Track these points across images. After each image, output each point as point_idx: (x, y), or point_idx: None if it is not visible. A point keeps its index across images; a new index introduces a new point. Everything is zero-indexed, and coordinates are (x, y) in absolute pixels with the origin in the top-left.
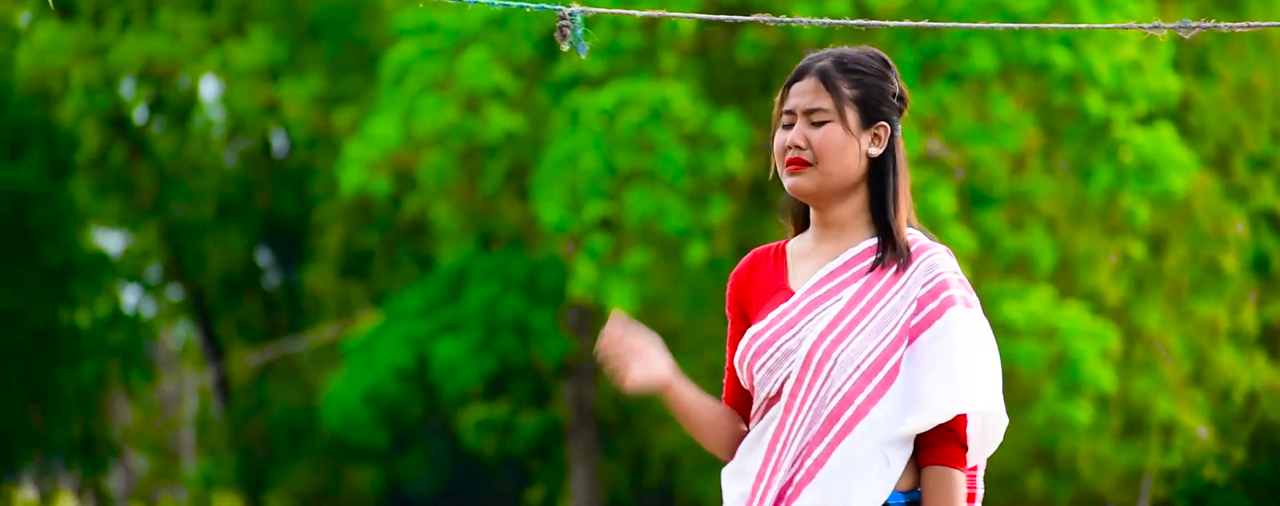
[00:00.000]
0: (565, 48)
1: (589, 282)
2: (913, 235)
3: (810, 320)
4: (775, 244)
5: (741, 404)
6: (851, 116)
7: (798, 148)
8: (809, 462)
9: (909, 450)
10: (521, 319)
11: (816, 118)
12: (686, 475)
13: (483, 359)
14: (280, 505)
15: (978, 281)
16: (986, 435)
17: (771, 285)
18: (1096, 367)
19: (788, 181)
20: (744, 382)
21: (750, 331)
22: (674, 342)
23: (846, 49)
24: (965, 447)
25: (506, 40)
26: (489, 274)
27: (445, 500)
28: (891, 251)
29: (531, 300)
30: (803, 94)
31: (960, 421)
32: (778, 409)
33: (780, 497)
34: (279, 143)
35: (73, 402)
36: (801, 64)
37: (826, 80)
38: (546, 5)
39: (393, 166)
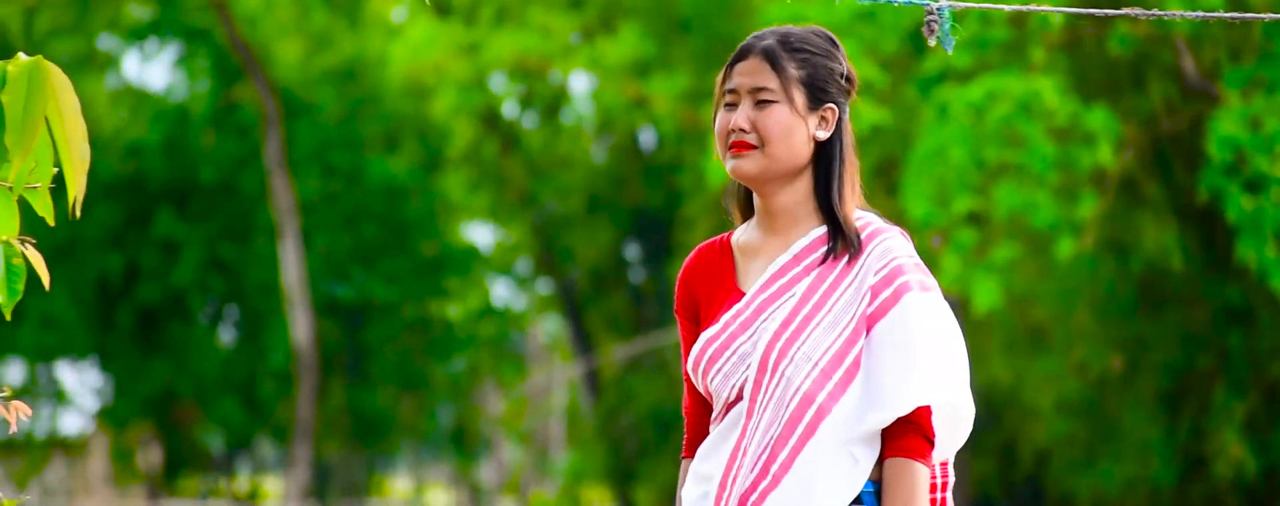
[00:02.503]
0: (933, 42)
1: (956, 276)
2: (864, 219)
3: (764, 320)
4: (719, 238)
5: (703, 406)
6: (798, 97)
7: (742, 130)
8: (774, 467)
9: (877, 445)
10: None
11: (761, 97)
12: (1056, 470)
13: None
14: (648, 499)
15: None
16: (956, 425)
17: (721, 286)
18: None
19: (730, 164)
20: (700, 389)
21: (704, 336)
22: (1041, 338)
23: (792, 28)
24: (931, 440)
25: (874, 34)
26: None
27: None
28: (841, 241)
29: None
30: (747, 73)
31: (924, 413)
32: (737, 413)
33: (743, 503)
34: (647, 138)
35: (445, 394)
36: (745, 43)
37: (772, 59)
38: (915, 0)
39: None
